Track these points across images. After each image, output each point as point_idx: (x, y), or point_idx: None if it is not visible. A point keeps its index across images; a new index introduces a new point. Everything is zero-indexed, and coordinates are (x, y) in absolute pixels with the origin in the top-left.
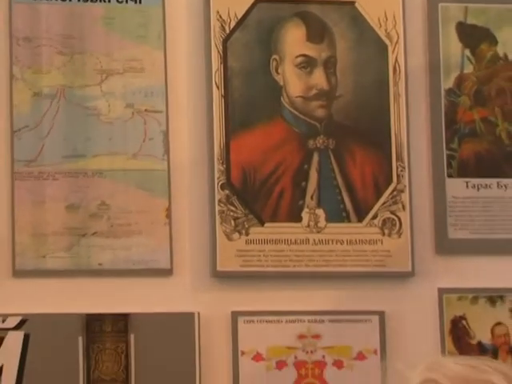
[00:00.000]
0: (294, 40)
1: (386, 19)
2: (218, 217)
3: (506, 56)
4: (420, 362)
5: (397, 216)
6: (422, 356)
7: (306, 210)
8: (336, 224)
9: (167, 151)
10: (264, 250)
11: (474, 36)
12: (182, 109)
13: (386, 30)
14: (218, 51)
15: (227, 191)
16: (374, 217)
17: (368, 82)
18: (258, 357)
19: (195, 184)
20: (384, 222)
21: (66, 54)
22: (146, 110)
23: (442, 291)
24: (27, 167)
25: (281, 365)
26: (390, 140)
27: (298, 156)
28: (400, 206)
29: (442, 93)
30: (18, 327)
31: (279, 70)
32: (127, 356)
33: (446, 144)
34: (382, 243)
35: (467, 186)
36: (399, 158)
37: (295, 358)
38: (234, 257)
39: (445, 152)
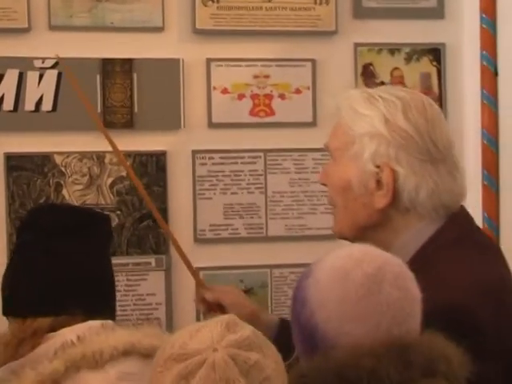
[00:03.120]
0: None
1: None
2: None
3: None
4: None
5: None
6: (340, 90)
7: None
8: None
9: None
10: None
11: None
12: None
13: None
14: None
15: None
16: None
17: None
18: (225, 91)
19: None
20: None
21: None
22: None
23: (356, 45)
24: None
25: (241, 97)
26: None
27: None
28: None
29: None
30: (53, 67)
31: None
32: (131, 89)
33: None
34: (314, 10)
35: None
36: None
37: (251, 92)
38: (209, 19)
39: None
